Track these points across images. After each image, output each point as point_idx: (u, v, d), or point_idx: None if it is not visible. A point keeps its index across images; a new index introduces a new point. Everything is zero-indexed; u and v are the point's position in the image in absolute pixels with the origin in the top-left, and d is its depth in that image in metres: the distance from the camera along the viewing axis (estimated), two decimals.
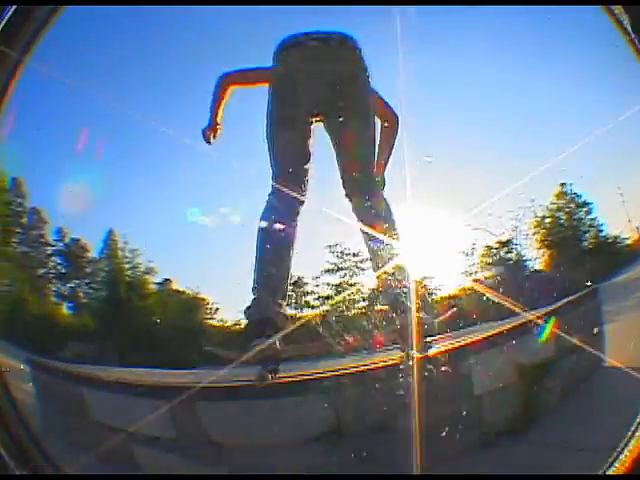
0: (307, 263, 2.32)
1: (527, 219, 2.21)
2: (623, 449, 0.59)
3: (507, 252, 2.22)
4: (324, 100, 1.71)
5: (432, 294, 1.99)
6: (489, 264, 2.18)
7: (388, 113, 1.93)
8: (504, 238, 2.17)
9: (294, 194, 1.69)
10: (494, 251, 2.21)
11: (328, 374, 1.53)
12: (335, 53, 1.73)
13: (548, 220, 2.33)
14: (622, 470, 0.57)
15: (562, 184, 2.37)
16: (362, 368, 1.57)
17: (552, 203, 2.36)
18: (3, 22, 0.43)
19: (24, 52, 0.47)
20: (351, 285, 2.45)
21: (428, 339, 1.59)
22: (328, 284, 2.50)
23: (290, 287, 1.76)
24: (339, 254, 2.42)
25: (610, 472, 0.59)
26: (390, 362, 1.51)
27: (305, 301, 2.64)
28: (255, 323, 1.63)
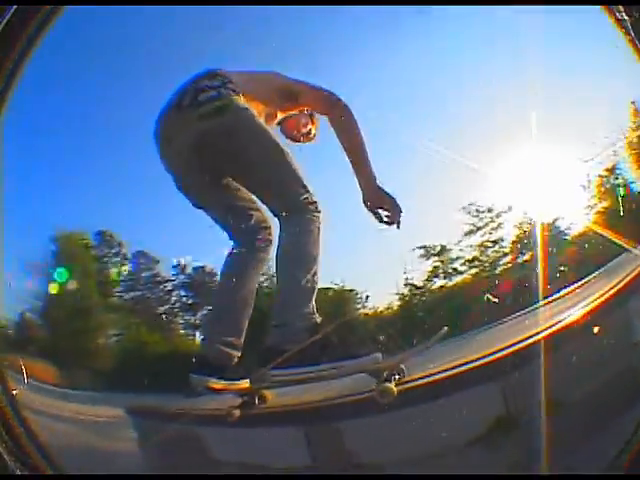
0: (445, 229, 2.39)
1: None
2: (624, 448, 0.58)
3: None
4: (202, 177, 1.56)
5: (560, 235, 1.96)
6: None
7: (324, 105, 1.65)
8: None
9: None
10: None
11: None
12: (180, 124, 1.50)
13: None
14: (622, 470, 0.56)
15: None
16: None
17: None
18: (3, 22, 0.43)
19: (24, 52, 0.48)
20: (494, 242, 2.48)
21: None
22: (471, 246, 2.48)
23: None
24: (475, 213, 2.41)
25: (610, 472, 0.58)
26: None
27: (453, 268, 2.64)
28: (197, 358, 1.59)
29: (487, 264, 2.44)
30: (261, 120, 1.57)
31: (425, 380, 1.37)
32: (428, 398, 1.28)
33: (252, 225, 1.62)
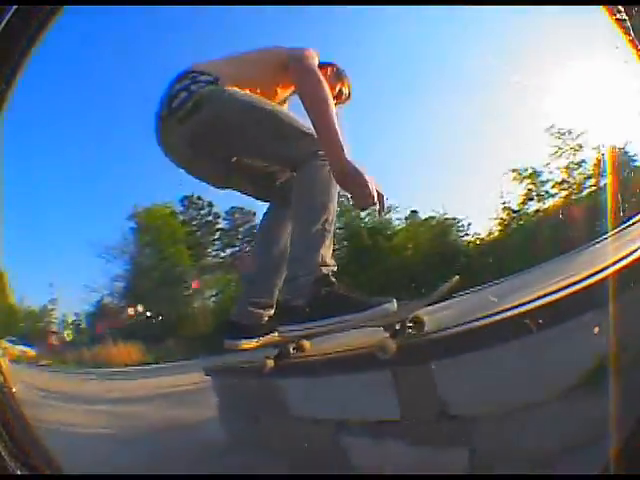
0: (532, 152, 2.45)
1: None
2: (623, 448, 0.58)
3: None
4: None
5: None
6: None
7: (286, 63, 1.50)
8: None
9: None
10: None
11: None
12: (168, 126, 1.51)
13: None
14: (621, 470, 0.56)
15: None
16: None
17: None
18: (3, 22, 0.43)
19: (24, 52, 0.48)
20: (578, 165, 2.50)
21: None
22: (558, 168, 2.55)
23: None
24: (558, 135, 2.41)
25: (609, 472, 0.58)
26: None
27: (545, 191, 2.68)
28: (228, 322, 1.71)
29: (575, 186, 2.50)
30: (243, 92, 1.50)
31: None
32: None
33: (279, 185, 1.63)
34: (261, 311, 1.64)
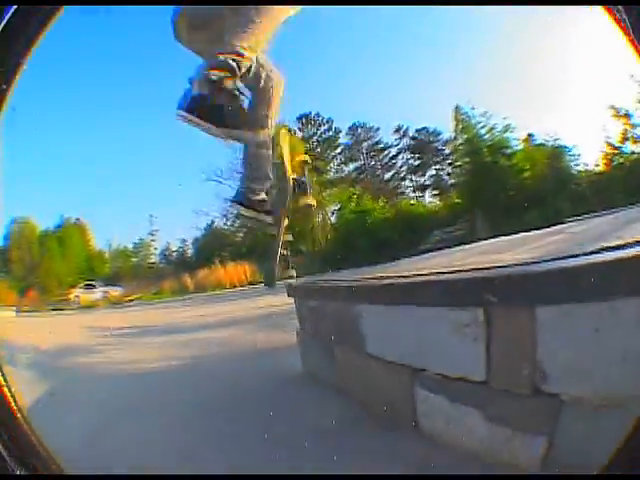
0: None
1: None
2: (623, 448, 0.58)
3: None
4: None
5: None
6: None
7: None
8: None
9: None
10: None
11: None
12: None
13: None
14: (621, 470, 0.56)
15: None
16: None
17: None
18: (3, 22, 0.43)
19: (24, 52, 0.47)
20: None
21: None
22: None
23: None
24: None
25: (609, 472, 0.57)
26: None
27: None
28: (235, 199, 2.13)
29: None
30: None
31: None
32: None
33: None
34: (259, 196, 2.11)
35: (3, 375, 0.50)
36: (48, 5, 0.51)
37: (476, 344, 1.04)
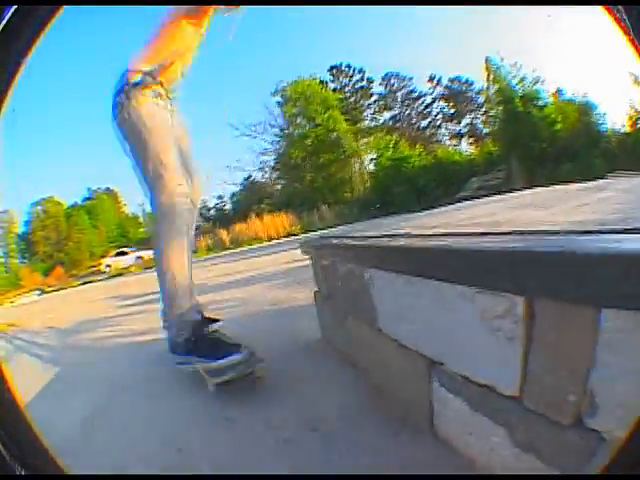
0: None
1: None
2: (622, 447, 0.56)
3: None
4: None
5: None
6: None
7: None
8: None
9: None
10: None
11: None
12: None
13: None
14: (621, 470, 0.55)
15: None
16: None
17: None
18: (3, 22, 0.43)
19: (24, 52, 0.48)
20: None
21: None
22: None
23: None
24: None
25: (609, 472, 0.56)
26: None
27: None
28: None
29: None
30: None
31: None
32: None
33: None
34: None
35: (3, 374, 0.51)
36: (48, 5, 0.51)
37: (510, 345, 0.75)
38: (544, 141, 16.29)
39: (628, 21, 0.48)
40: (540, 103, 17.69)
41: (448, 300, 0.95)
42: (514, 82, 18.41)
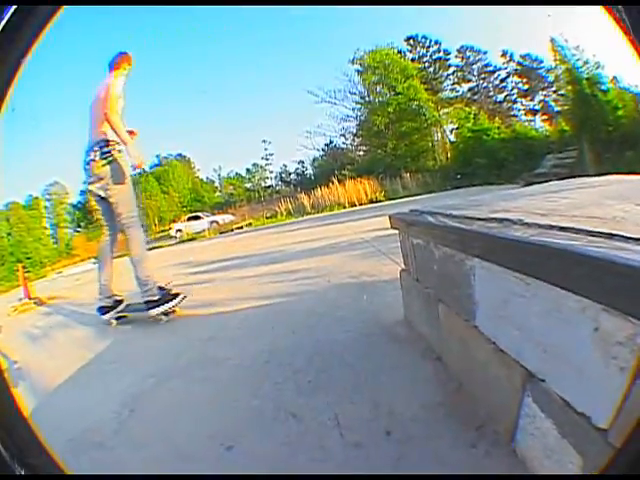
0: None
1: None
2: (622, 447, 0.55)
3: None
4: None
5: None
6: None
7: None
8: None
9: None
10: None
11: None
12: None
13: None
14: (622, 470, 0.54)
15: None
16: None
17: None
18: (3, 22, 0.44)
19: (24, 52, 0.48)
20: None
21: None
22: None
23: None
24: None
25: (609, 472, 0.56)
26: None
27: None
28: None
29: None
30: None
31: None
32: None
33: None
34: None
35: (3, 374, 0.52)
36: (48, 5, 0.51)
37: (620, 376, 0.70)
38: (610, 125, 15.68)
39: (628, 21, 0.45)
40: (603, 88, 17.09)
41: (565, 312, 0.83)
42: (579, 64, 17.80)
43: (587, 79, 16.16)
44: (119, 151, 3.40)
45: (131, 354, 2.59)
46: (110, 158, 3.34)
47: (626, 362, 0.68)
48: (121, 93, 3.38)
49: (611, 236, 0.82)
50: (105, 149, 3.33)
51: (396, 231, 2.17)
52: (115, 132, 3.27)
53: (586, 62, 16.55)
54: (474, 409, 1.25)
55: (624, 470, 0.53)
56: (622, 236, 0.80)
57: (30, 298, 6.50)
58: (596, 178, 2.56)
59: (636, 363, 0.67)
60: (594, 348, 0.75)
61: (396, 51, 21.68)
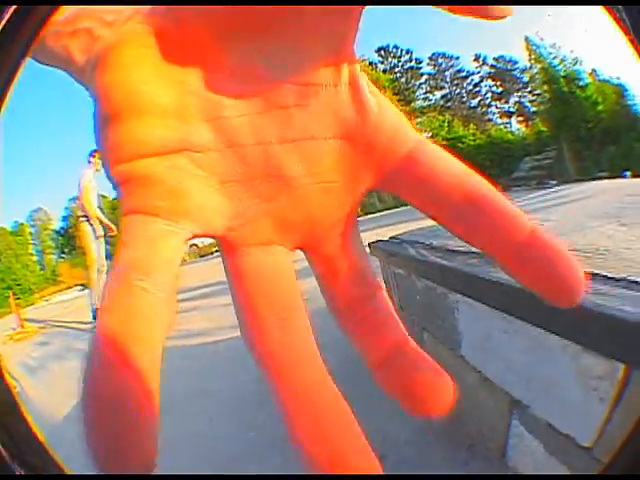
0: None
1: None
2: (623, 447, 0.49)
3: None
4: None
5: None
6: None
7: None
8: None
9: None
10: None
11: None
12: None
13: None
14: (621, 470, 0.48)
15: None
16: None
17: None
18: (3, 22, 0.43)
19: (24, 52, 0.47)
20: None
21: None
22: None
23: None
24: None
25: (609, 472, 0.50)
26: None
27: None
28: None
29: None
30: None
31: None
32: None
33: None
34: None
35: (2, 373, 0.50)
36: (48, 5, 0.51)
37: (600, 405, 0.77)
38: (589, 122, 15.80)
39: (628, 21, 0.45)
40: (581, 84, 17.17)
41: (547, 349, 0.89)
42: (555, 62, 17.93)
43: (564, 77, 16.24)
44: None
45: None
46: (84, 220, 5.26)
47: (606, 393, 0.75)
48: (94, 183, 5.18)
49: (593, 275, 0.85)
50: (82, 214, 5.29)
51: (376, 258, 2.17)
52: (85, 212, 5.20)
53: (563, 59, 16.70)
54: (464, 431, 1.31)
55: (624, 470, 0.54)
56: (604, 276, 0.83)
57: (23, 327, 6.40)
58: (579, 187, 2.51)
59: (616, 393, 0.72)
60: (575, 381, 0.82)
61: (367, 63, 21.68)
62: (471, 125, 21.17)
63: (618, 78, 16.36)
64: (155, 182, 0.18)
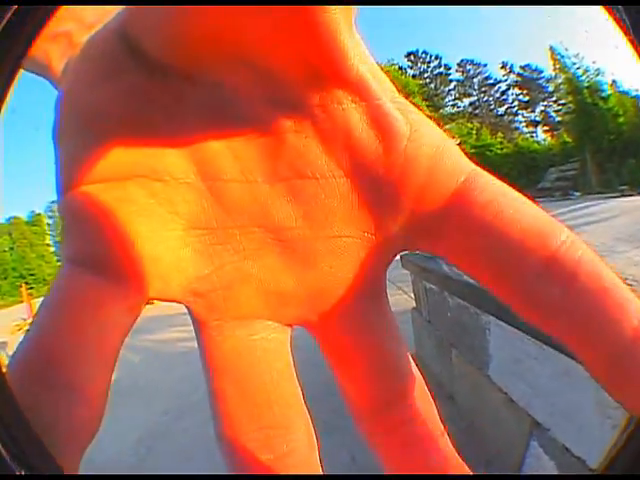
0: None
1: None
2: (623, 447, 0.49)
3: None
4: None
5: None
6: None
7: None
8: None
9: None
10: None
11: None
12: None
13: None
14: (621, 470, 0.48)
15: None
16: None
17: None
18: (3, 22, 0.42)
19: (24, 52, 0.47)
20: None
21: None
22: None
23: None
24: None
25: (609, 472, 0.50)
26: None
27: None
28: None
29: None
30: None
31: None
32: None
33: None
34: None
35: (2, 372, 0.50)
36: (48, 5, 0.50)
37: (612, 431, 0.85)
38: (611, 133, 15.67)
39: (628, 21, 0.43)
40: (603, 95, 17.07)
41: (573, 377, 0.96)
42: (579, 73, 17.84)
43: (587, 87, 16.14)
44: None
45: (144, 387, 2.61)
46: None
47: (618, 421, 0.76)
48: None
49: None
50: None
51: (408, 271, 2.16)
52: None
53: (586, 70, 16.58)
54: (483, 446, 1.35)
55: (624, 470, 0.52)
56: None
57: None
58: (604, 204, 2.48)
59: (625, 422, 0.71)
60: (594, 409, 0.88)
61: (397, 67, 21.59)
62: (499, 133, 20.97)
63: (637, 90, 16.24)
64: (96, 219, 0.14)
